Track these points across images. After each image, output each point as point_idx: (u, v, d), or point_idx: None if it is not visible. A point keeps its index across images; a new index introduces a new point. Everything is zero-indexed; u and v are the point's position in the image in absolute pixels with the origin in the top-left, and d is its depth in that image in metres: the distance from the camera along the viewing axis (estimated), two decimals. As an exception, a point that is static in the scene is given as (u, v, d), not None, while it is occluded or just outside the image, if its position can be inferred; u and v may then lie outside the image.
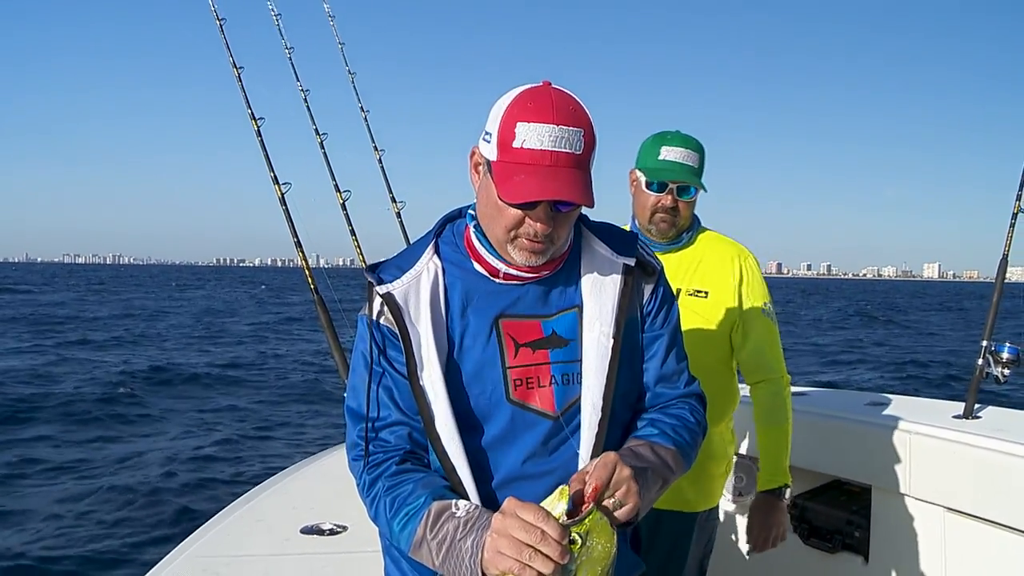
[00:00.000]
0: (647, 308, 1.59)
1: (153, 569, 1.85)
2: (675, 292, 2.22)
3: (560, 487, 1.27)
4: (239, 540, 1.95)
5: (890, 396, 3.06)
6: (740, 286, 2.32)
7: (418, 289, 1.49)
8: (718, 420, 2.33)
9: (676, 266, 2.31)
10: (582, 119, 1.39)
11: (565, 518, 1.23)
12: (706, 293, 2.31)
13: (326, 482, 2.41)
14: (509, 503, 1.25)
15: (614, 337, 1.50)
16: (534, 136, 1.35)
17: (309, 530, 1.96)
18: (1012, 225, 2.76)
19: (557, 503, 1.25)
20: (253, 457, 9.44)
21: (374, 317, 1.50)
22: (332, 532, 1.95)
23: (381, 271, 1.52)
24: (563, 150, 1.36)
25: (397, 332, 1.46)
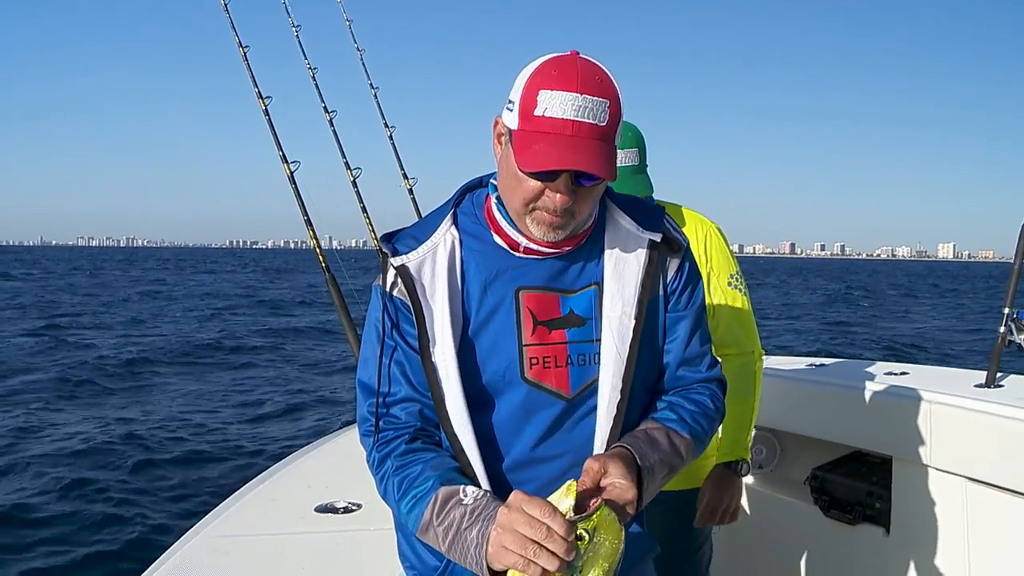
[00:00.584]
0: (671, 287, 1.53)
1: (169, 549, 1.86)
2: None
3: (568, 482, 1.25)
4: (253, 520, 1.96)
5: (909, 366, 3.02)
6: (705, 258, 2.29)
7: (434, 261, 1.45)
8: None
9: None
10: (608, 90, 1.34)
11: (572, 514, 1.21)
12: None
13: (341, 461, 2.41)
14: (515, 497, 1.22)
15: (636, 318, 1.45)
16: (556, 104, 1.30)
17: (323, 508, 1.97)
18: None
19: (564, 498, 1.23)
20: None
21: (387, 288, 1.46)
22: (346, 510, 1.95)
23: (396, 241, 1.48)
24: (586, 120, 1.31)
25: (410, 306, 1.43)
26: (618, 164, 2.04)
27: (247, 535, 1.87)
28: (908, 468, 2.58)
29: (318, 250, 2.62)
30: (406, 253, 1.45)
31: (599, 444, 1.44)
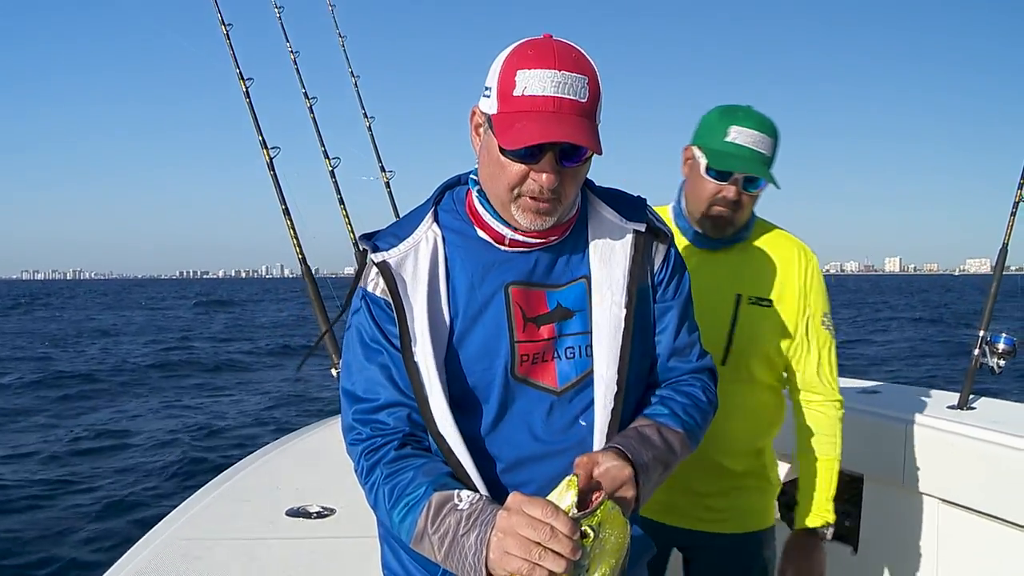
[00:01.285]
0: (659, 277, 1.51)
1: (130, 551, 1.76)
2: (735, 299, 2.00)
3: (567, 478, 1.19)
4: (222, 521, 1.87)
5: (882, 384, 3.03)
6: (805, 293, 2.01)
7: (416, 258, 1.40)
8: (764, 437, 2.14)
9: (732, 268, 2.01)
10: (586, 67, 1.32)
11: (575, 511, 1.15)
12: (770, 301, 2.00)
13: (309, 461, 2.33)
14: (514, 499, 1.17)
15: (626, 307, 1.42)
16: (535, 82, 1.28)
17: (295, 512, 1.88)
18: (1013, 214, 2.73)
19: (565, 495, 1.17)
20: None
21: (370, 288, 1.41)
22: (319, 515, 1.87)
23: (376, 239, 1.43)
24: (567, 96, 1.28)
25: (391, 303, 1.38)
26: (764, 152, 1.90)
27: (217, 539, 1.78)
28: (879, 487, 2.59)
29: (294, 240, 2.52)
30: (387, 250, 1.41)
31: (598, 438, 1.40)
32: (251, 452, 2.53)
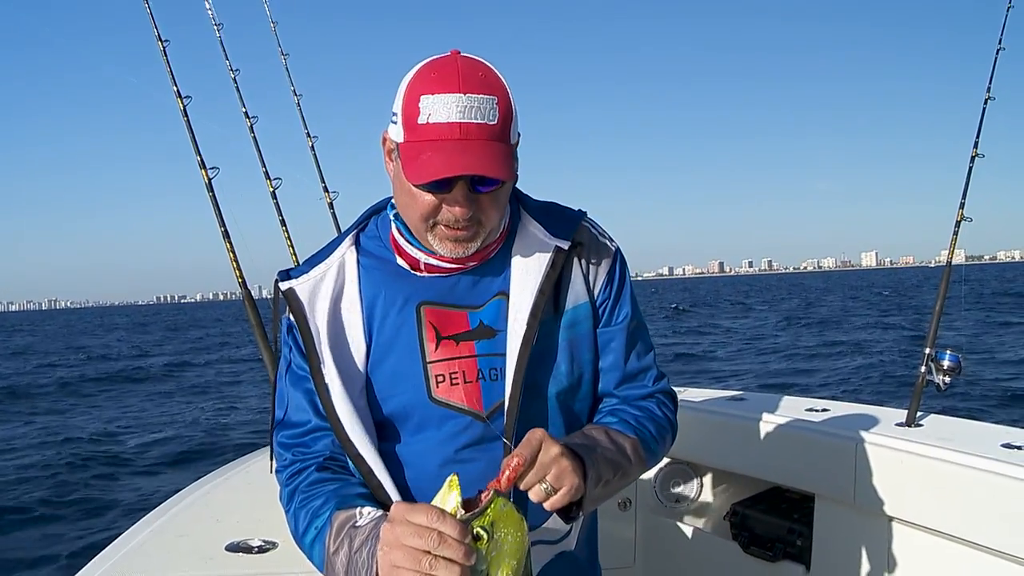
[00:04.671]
0: (600, 297, 1.46)
1: None
2: None
3: (448, 478, 1.10)
4: (157, 559, 1.78)
5: (829, 402, 3.04)
6: None
7: (323, 283, 1.39)
8: None
9: None
10: (495, 86, 1.26)
11: (462, 511, 1.07)
12: None
13: (250, 491, 2.24)
14: (396, 508, 1.09)
15: (528, 324, 1.35)
16: (440, 108, 1.22)
17: (235, 547, 1.80)
18: (956, 233, 2.76)
19: (448, 496, 1.08)
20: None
21: (288, 316, 1.40)
22: (261, 549, 1.79)
23: (293, 270, 1.42)
24: (474, 120, 1.23)
25: (299, 329, 1.37)
26: None
27: None
28: (830, 506, 2.58)
29: (234, 263, 2.45)
30: (296, 278, 1.40)
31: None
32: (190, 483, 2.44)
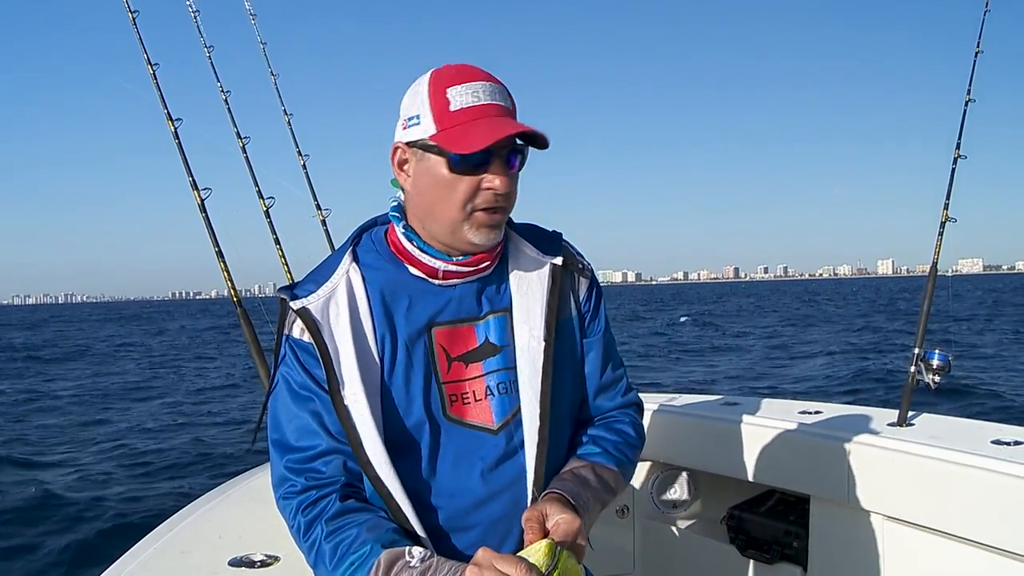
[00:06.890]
0: (584, 309, 1.53)
1: None
2: None
3: (545, 541, 1.20)
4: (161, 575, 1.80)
5: (822, 404, 3.07)
6: None
7: (336, 301, 1.39)
8: None
9: None
10: (499, 81, 1.38)
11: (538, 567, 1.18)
12: None
13: (253, 507, 2.26)
14: (483, 555, 1.16)
15: (545, 340, 1.42)
16: (469, 94, 1.32)
17: (238, 562, 1.82)
18: (940, 234, 2.80)
19: (541, 557, 1.19)
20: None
21: (295, 334, 1.39)
22: (263, 564, 1.81)
23: (296, 288, 1.42)
24: (500, 103, 1.34)
25: (315, 347, 1.36)
26: None
27: None
28: (825, 507, 2.60)
29: (229, 283, 2.47)
30: (305, 296, 1.39)
31: (529, 476, 1.39)
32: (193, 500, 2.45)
